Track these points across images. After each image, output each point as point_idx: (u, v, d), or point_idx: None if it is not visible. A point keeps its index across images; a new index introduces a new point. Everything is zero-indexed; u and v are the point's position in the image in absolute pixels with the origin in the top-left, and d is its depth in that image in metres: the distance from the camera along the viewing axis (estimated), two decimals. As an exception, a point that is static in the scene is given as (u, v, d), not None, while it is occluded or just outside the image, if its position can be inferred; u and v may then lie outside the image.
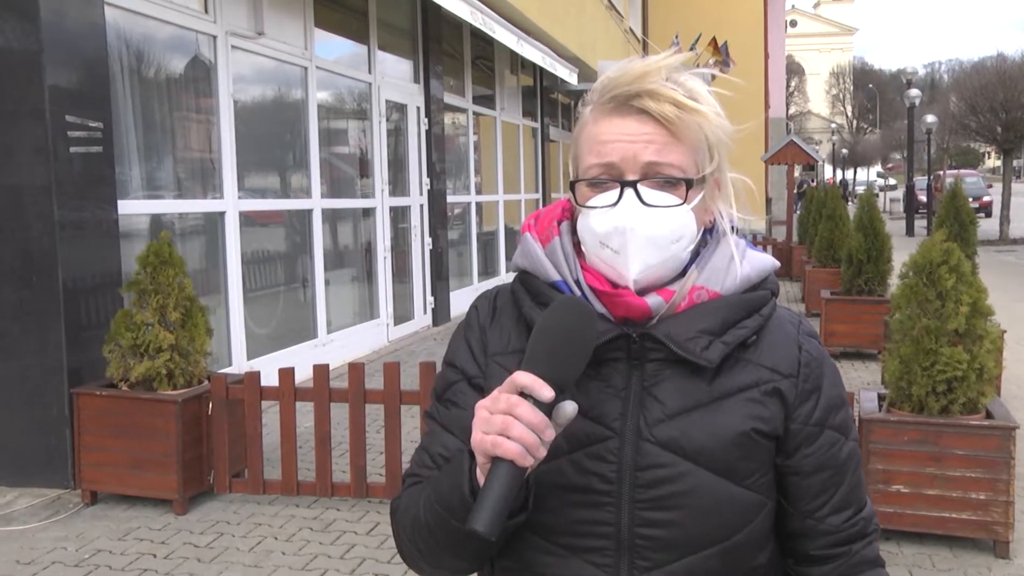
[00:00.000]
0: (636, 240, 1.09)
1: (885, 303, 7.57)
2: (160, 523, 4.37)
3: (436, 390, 1.25)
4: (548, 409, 0.99)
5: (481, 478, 1.02)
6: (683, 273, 1.16)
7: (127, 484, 4.55)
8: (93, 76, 5.06)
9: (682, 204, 1.11)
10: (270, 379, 4.82)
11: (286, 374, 4.69)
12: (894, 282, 5.37)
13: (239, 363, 6.54)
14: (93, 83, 5.05)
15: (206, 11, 6.48)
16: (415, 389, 4.64)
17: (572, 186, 1.17)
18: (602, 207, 1.11)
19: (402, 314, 9.62)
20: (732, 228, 1.20)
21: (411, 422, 5.21)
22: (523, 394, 1.00)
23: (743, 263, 1.17)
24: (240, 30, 6.81)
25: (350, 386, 4.62)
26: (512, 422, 0.98)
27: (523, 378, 1.00)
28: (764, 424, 1.14)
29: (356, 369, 4.66)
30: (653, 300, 1.12)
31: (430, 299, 10.20)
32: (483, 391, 1.12)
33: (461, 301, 10.97)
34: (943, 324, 3.98)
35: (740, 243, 1.19)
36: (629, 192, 1.10)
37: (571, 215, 1.21)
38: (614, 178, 1.11)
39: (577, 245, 1.18)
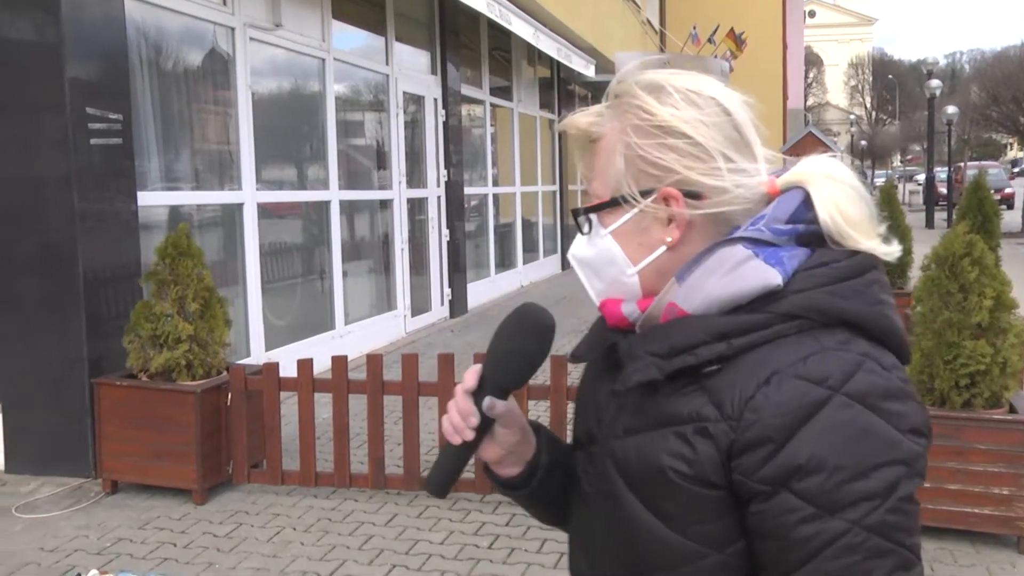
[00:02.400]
0: (578, 266, 1.15)
1: (905, 295, 7.50)
2: (179, 513, 4.40)
3: None
4: (478, 401, 1.09)
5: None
6: None
7: (147, 474, 4.59)
8: (113, 68, 5.08)
9: (589, 231, 1.11)
10: (288, 370, 4.84)
11: (304, 365, 4.70)
12: (914, 274, 5.32)
13: (257, 354, 6.57)
14: (113, 75, 5.07)
15: (224, 3, 6.49)
16: (433, 381, 4.64)
17: None
18: None
19: (419, 306, 9.63)
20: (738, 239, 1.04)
21: (429, 414, 5.21)
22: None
23: (723, 281, 1.00)
24: (258, 22, 6.82)
25: (368, 378, 4.63)
26: (451, 406, 1.11)
27: (469, 371, 1.12)
28: (686, 466, 0.99)
29: (374, 360, 4.66)
30: (627, 307, 1.09)
31: (447, 291, 10.20)
32: None
33: (478, 293, 10.96)
34: (966, 317, 3.94)
35: (735, 256, 1.00)
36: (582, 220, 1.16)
37: None
38: None
39: None
